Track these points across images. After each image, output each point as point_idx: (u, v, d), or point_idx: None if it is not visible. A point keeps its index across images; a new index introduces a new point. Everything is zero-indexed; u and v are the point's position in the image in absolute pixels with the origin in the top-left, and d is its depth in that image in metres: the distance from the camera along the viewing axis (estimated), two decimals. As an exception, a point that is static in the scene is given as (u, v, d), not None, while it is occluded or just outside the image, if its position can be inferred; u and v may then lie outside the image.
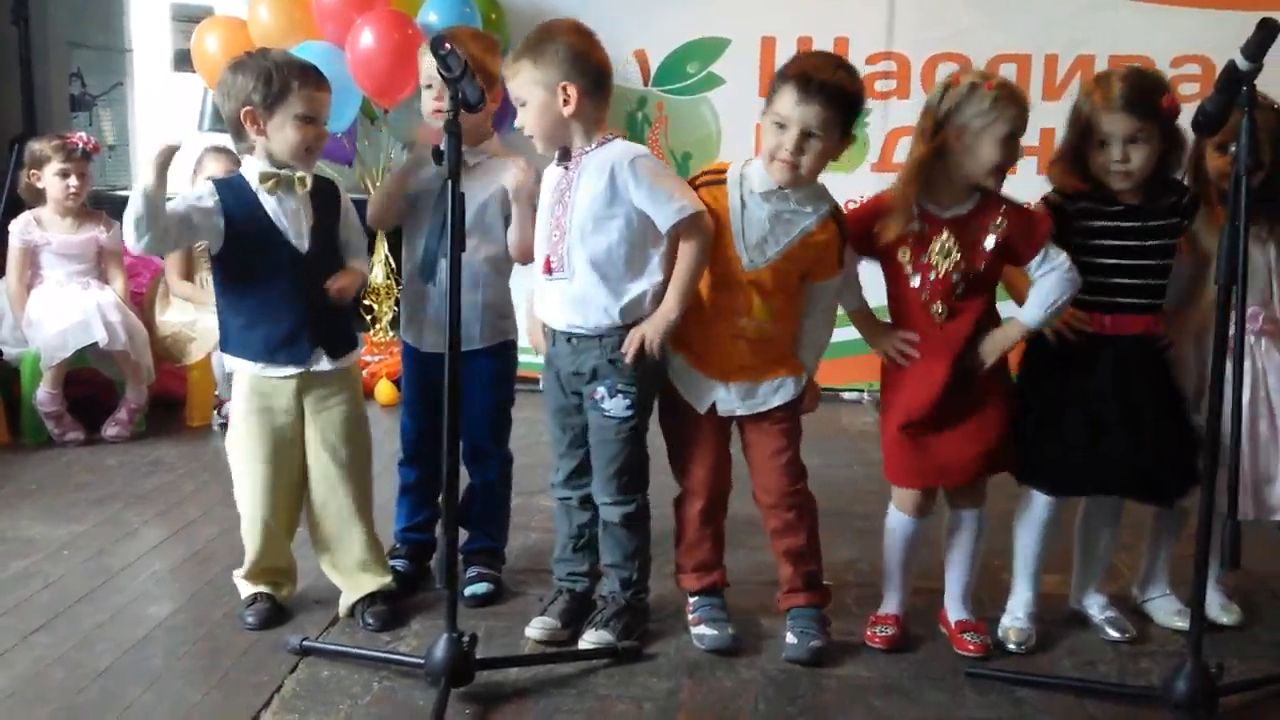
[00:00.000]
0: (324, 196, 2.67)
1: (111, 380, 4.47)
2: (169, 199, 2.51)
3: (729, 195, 2.51)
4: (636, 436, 2.56)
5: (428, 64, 2.74)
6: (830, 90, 2.39)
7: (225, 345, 2.69)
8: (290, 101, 2.55)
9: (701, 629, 2.59)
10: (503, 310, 2.87)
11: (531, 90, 2.47)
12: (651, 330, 2.48)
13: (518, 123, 2.53)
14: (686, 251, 2.46)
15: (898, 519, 2.64)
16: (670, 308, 2.48)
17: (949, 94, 2.44)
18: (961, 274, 2.49)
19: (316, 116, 2.60)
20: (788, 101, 2.40)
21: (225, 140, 5.08)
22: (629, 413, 2.53)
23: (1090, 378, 2.56)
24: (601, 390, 2.53)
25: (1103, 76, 2.59)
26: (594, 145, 2.49)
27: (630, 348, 2.48)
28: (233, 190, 2.60)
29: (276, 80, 2.55)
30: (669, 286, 2.49)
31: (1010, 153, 2.43)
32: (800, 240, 2.48)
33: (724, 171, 2.55)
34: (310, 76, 2.59)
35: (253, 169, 2.60)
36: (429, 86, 2.76)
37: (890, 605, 2.68)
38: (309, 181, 2.62)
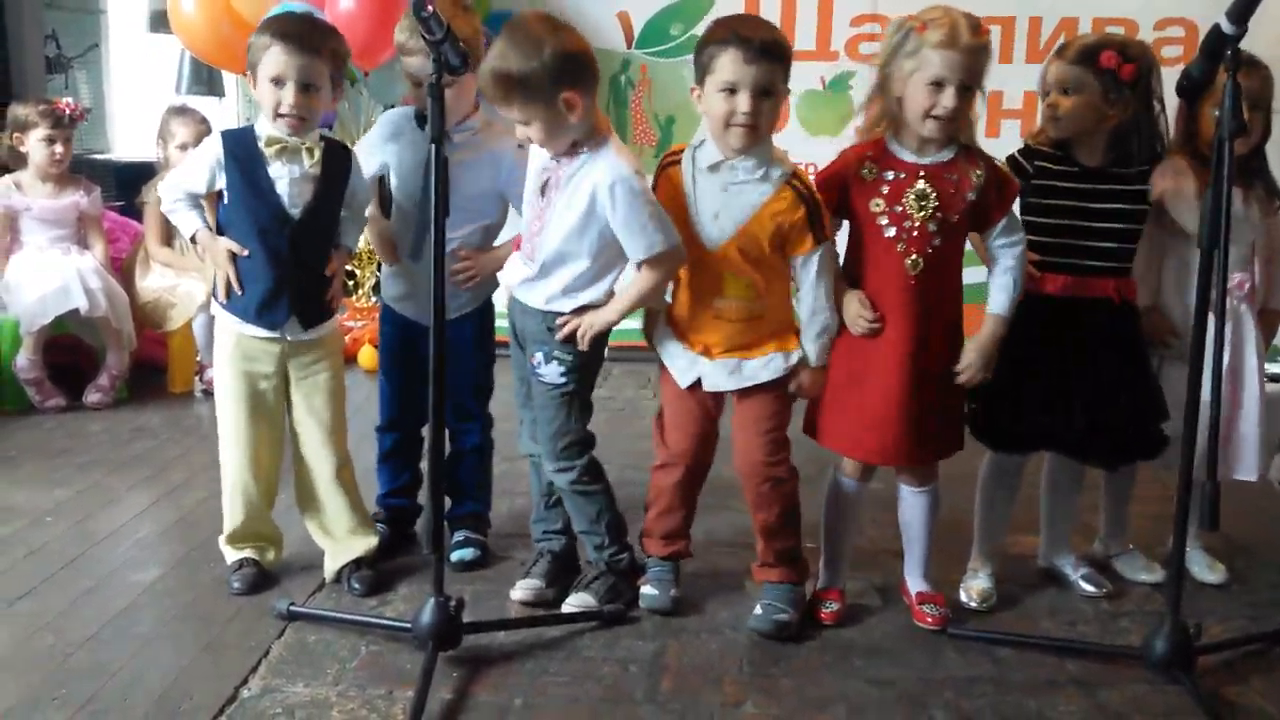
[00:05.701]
0: (333, 166, 2.61)
1: (92, 347, 4.45)
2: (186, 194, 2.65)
3: (683, 173, 2.48)
4: (573, 403, 2.54)
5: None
6: (769, 46, 2.36)
7: (215, 293, 2.67)
8: (263, 61, 2.52)
9: (645, 588, 2.61)
10: (488, 277, 2.86)
11: (532, 111, 2.36)
12: (588, 322, 2.47)
13: (521, 133, 2.43)
14: (642, 277, 2.45)
15: (842, 481, 2.61)
16: (610, 314, 2.47)
17: (887, 39, 2.43)
18: (939, 224, 2.42)
19: (285, 79, 2.50)
20: (732, 66, 2.35)
21: (189, 100, 5.06)
22: (563, 380, 2.52)
23: (1055, 341, 2.56)
24: (539, 356, 2.53)
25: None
26: (587, 147, 2.43)
27: (566, 328, 2.48)
28: (241, 143, 2.56)
29: (256, 39, 2.53)
30: (616, 296, 2.48)
31: (939, 99, 2.34)
32: (757, 212, 2.41)
33: (682, 152, 2.52)
34: (286, 36, 2.51)
35: (264, 128, 2.57)
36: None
37: (832, 579, 2.65)
38: (317, 154, 2.56)
